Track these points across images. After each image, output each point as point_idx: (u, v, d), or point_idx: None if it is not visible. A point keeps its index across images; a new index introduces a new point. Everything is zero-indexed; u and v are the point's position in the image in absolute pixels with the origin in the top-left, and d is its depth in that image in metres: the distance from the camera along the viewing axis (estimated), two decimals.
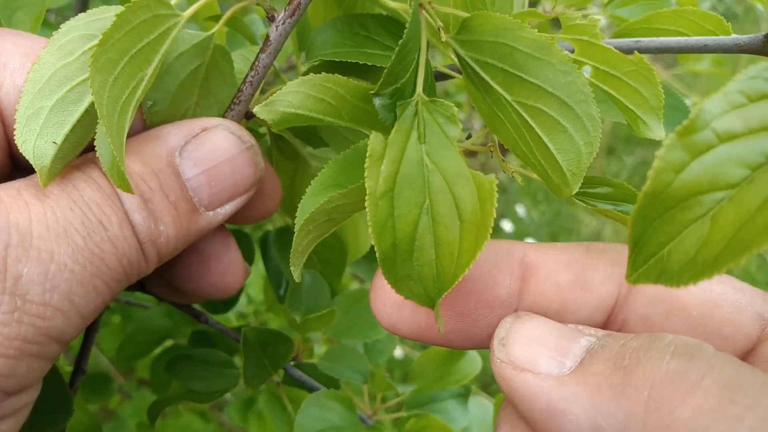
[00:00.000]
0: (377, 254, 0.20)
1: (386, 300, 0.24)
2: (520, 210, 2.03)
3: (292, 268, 0.22)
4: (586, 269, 0.23)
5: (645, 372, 0.18)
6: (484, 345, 0.24)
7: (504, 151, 0.27)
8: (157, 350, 0.55)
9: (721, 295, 0.22)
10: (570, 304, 0.23)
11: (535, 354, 0.21)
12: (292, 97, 0.23)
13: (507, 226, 1.94)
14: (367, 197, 0.20)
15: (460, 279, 0.20)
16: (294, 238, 0.22)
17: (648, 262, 0.15)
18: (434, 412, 0.39)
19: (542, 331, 0.21)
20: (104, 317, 0.78)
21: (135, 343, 0.50)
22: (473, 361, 0.41)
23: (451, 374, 0.40)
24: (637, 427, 0.17)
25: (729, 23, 0.32)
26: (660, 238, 0.15)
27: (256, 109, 0.23)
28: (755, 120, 0.15)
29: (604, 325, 0.23)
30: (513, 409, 0.22)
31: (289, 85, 0.23)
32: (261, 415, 0.86)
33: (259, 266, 0.89)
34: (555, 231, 2.00)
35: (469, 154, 0.27)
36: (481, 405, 0.45)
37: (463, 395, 0.42)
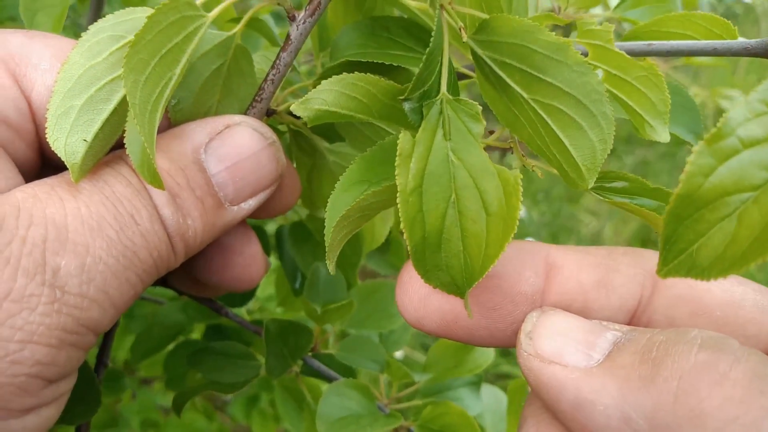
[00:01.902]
0: (409, 247, 0.21)
1: (413, 295, 0.24)
2: (520, 210, 2.04)
3: (327, 262, 0.23)
4: (608, 271, 0.24)
5: (673, 363, 0.18)
6: (507, 342, 0.24)
7: (521, 146, 0.28)
8: (170, 346, 0.55)
9: (743, 296, 0.22)
10: (592, 303, 0.23)
11: (562, 347, 0.21)
12: (327, 95, 0.24)
13: None
14: (398, 194, 0.21)
15: (489, 269, 0.21)
16: (329, 234, 0.23)
17: (678, 258, 0.16)
18: (448, 400, 0.40)
19: (569, 324, 0.22)
20: None
21: (151, 339, 0.51)
22: (486, 351, 0.42)
23: (465, 363, 0.41)
24: (666, 417, 0.18)
25: (735, 27, 0.33)
26: (690, 235, 0.16)
27: (294, 107, 0.24)
28: None
29: (628, 325, 0.23)
30: (538, 405, 0.23)
31: (323, 84, 0.24)
32: (264, 413, 0.87)
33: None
34: (555, 231, 2.01)
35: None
36: (493, 393, 0.46)
37: (476, 383, 0.43)
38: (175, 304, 0.50)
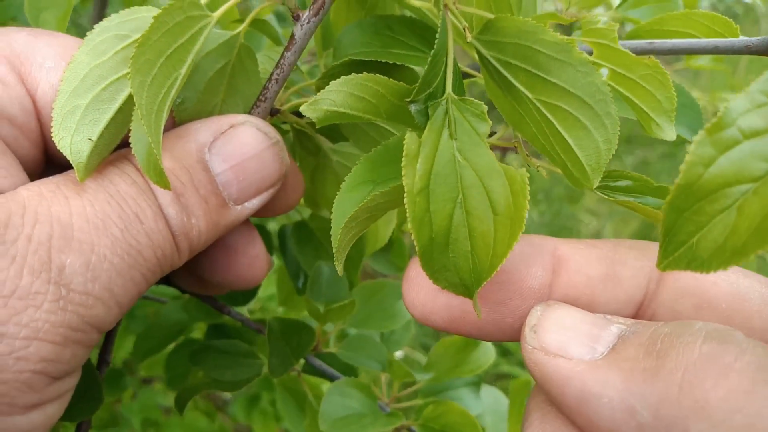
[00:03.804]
0: (417, 248, 0.21)
1: (420, 290, 0.24)
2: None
3: (336, 264, 0.23)
4: (615, 264, 0.24)
5: (678, 355, 0.18)
6: (515, 336, 0.24)
7: (526, 146, 0.28)
8: (171, 345, 0.55)
9: (749, 288, 0.22)
10: (600, 296, 0.23)
11: (566, 340, 0.21)
12: (335, 96, 0.24)
13: None
14: (405, 195, 0.21)
15: (497, 269, 0.21)
16: (336, 236, 0.23)
17: (678, 251, 0.16)
18: (449, 399, 0.40)
19: (573, 318, 0.22)
20: None
21: (152, 338, 0.51)
22: (487, 351, 0.42)
23: (466, 363, 0.41)
24: (670, 409, 0.18)
25: (737, 26, 0.33)
26: (690, 227, 0.16)
27: (303, 108, 0.24)
28: None
29: (633, 318, 0.23)
30: (543, 398, 0.23)
31: (332, 85, 0.24)
32: (265, 412, 0.87)
33: None
34: (555, 231, 2.01)
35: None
36: (493, 394, 0.46)
37: (476, 384, 0.43)
38: (177, 304, 0.50)
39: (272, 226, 0.61)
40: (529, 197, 0.21)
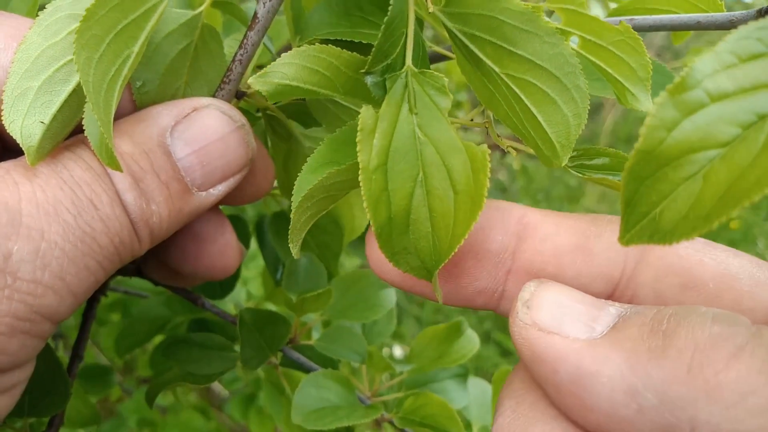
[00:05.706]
0: (373, 228, 0.20)
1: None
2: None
3: (291, 245, 0.22)
4: (589, 235, 0.22)
5: (687, 334, 0.17)
6: (469, 302, 0.23)
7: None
8: (156, 341, 0.55)
9: (739, 268, 0.21)
10: (568, 267, 0.22)
11: (562, 317, 0.20)
12: (287, 69, 0.23)
13: None
14: (360, 171, 0.20)
15: (456, 249, 0.20)
16: (292, 215, 0.22)
17: (641, 222, 0.15)
18: (433, 392, 0.39)
19: (570, 296, 0.21)
20: (104, 315, 0.78)
21: (133, 333, 0.50)
22: (471, 339, 0.41)
23: (449, 353, 0.40)
24: (679, 390, 0.17)
25: (722, 1, 0.32)
26: (652, 197, 0.15)
27: (251, 80, 0.23)
28: (746, 79, 0.15)
29: (608, 297, 0.22)
30: (519, 385, 0.21)
31: (283, 57, 0.23)
32: (261, 411, 0.86)
33: (258, 262, 0.88)
34: None
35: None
36: (479, 386, 0.45)
37: (462, 375, 0.42)
38: (158, 298, 0.50)
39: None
40: (489, 174, 0.20)
